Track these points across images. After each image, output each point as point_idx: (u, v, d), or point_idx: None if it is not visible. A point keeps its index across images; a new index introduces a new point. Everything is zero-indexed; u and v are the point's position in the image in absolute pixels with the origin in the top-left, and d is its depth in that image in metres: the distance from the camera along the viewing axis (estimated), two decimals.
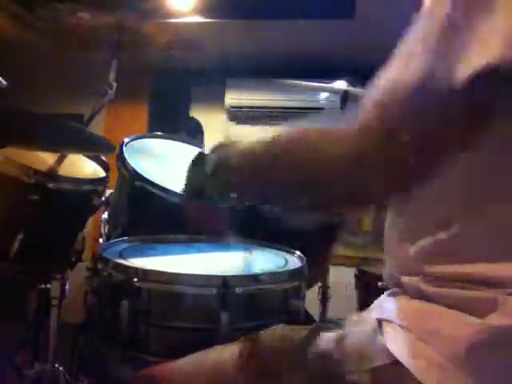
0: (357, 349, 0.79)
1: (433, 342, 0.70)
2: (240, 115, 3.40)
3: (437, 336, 0.70)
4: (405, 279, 0.79)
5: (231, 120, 3.45)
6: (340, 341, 0.81)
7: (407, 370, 0.71)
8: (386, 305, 0.82)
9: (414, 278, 0.76)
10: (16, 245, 1.37)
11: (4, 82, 1.45)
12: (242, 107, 3.34)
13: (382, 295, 0.86)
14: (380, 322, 0.80)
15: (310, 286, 1.59)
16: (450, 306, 0.71)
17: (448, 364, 0.67)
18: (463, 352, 0.67)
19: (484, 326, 0.66)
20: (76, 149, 1.52)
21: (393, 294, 0.82)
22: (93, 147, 1.51)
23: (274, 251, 1.33)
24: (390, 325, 0.77)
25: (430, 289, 0.74)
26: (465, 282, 0.70)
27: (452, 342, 0.68)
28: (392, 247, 0.82)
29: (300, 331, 0.86)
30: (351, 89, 2.27)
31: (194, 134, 2.47)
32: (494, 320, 0.66)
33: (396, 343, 0.74)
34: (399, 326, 0.75)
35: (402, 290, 0.81)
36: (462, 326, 0.68)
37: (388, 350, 0.75)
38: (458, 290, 0.70)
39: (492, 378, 0.67)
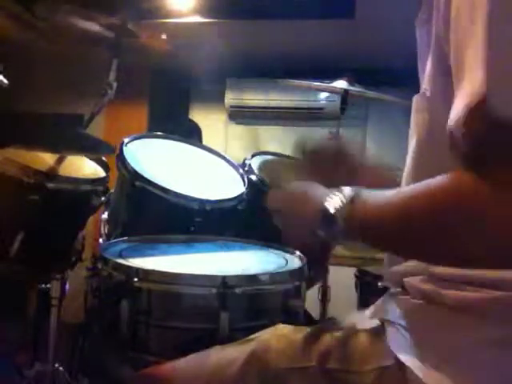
0: (359, 349, 0.79)
1: (434, 342, 0.70)
2: (240, 115, 3.40)
3: (438, 336, 0.70)
4: (407, 280, 0.79)
5: (231, 120, 3.45)
6: (342, 341, 0.81)
7: (410, 370, 0.71)
8: (387, 305, 0.82)
9: (416, 279, 0.76)
10: (16, 245, 1.37)
11: (5, 82, 1.45)
12: (242, 107, 3.34)
13: (384, 296, 0.86)
14: (382, 322, 0.80)
15: (310, 286, 1.59)
16: (451, 307, 0.71)
17: (449, 364, 0.67)
18: (464, 352, 0.67)
19: (485, 327, 0.66)
20: (76, 151, 1.52)
21: (394, 295, 0.82)
22: (92, 149, 1.51)
23: (274, 251, 1.33)
24: (392, 325, 0.77)
25: (432, 290, 0.74)
26: (465, 283, 0.70)
27: (453, 342, 0.68)
28: None
29: (300, 331, 0.86)
30: (351, 88, 2.27)
31: (189, 136, 2.46)
32: (494, 321, 0.66)
33: (398, 344, 0.74)
34: (401, 326, 0.75)
35: (403, 291, 0.81)
36: (463, 327, 0.68)
37: (390, 350, 0.75)
38: (458, 292, 0.71)
39: (493, 378, 0.67)
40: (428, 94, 0.76)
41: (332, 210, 0.71)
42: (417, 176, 0.79)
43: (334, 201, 0.71)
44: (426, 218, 0.63)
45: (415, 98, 0.81)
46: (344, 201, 0.71)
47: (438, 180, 0.62)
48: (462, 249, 0.61)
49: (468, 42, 0.60)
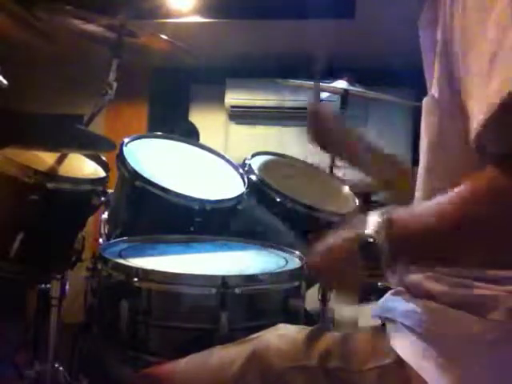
0: (360, 348, 0.79)
1: (436, 340, 0.70)
2: (240, 115, 3.40)
3: (440, 335, 0.70)
4: (409, 279, 0.79)
5: (231, 120, 3.45)
6: (343, 340, 0.81)
7: (411, 368, 0.71)
8: (389, 304, 0.82)
9: (419, 278, 0.77)
10: (16, 245, 1.37)
11: (5, 82, 1.45)
12: (242, 107, 3.34)
13: (386, 294, 0.86)
14: (384, 321, 0.80)
15: (309, 285, 1.58)
16: (452, 305, 0.71)
17: (450, 363, 0.67)
18: (466, 350, 0.67)
19: (486, 325, 0.67)
20: (76, 148, 1.51)
21: (396, 294, 0.82)
22: (93, 145, 1.50)
23: (274, 251, 1.33)
24: (394, 324, 0.77)
25: (434, 287, 0.74)
26: (468, 280, 0.70)
27: (455, 340, 0.68)
28: None
29: (301, 331, 0.86)
30: (351, 88, 2.28)
31: (187, 137, 2.46)
32: (496, 318, 0.66)
33: (400, 342, 0.74)
34: (403, 325, 0.75)
35: (405, 290, 0.81)
36: (464, 325, 0.68)
37: (392, 349, 0.75)
38: (460, 289, 0.71)
39: (494, 375, 0.67)
40: (436, 97, 0.76)
41: (370, 233, 0.69)
42: (429, 178, 0.79)
43: (368, 224, 0.70)
44: (482, 222, 0.62)
45: (425, 101, 0.81)
46: (379, 220, 0.69)
47: (476, 184, 0.63)
48: None
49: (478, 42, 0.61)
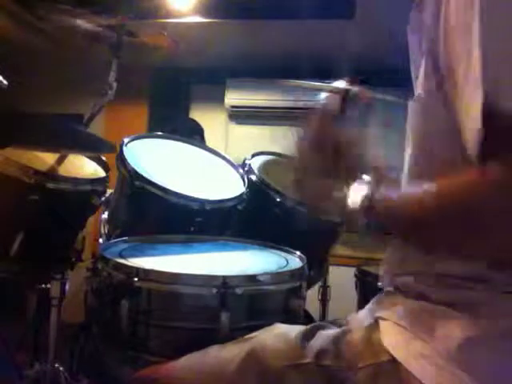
0: (354, 347, 0.79)
1: (429, 340, 0.70)
2: (240, 115, 3.40)
3: (432, 334, 0.70)
4: (400, 278, 0.79)
5: (231, 120, 3.45)
6: (338, 339, 0.81)
7: (404, 367, 0.71)
8: (383, 304, 0.83)
9: (411, 278, 0.77)
10: (16, 245, 1.37)
11: (5, 82, 1.45)
12: (242, 107, 3.34)
13: (379, 294, 0.87)
14: (377, 320, 0.80)
15: (310, 285, 1.59)
16: (444, 305, 0.71)
17: (443, 361, 0.68)
18: (458, 350, 0.67)
19: (478, 325, 0.67)
20: (77, 150, 1.52)
21: (389, 293, 0.83)
22: (93, 148, 1.51)
23: (275, 251, 1.33)
24: (386, 323, 0.77)
25: (425, 288, 0.74)
26: (459, 279, 0.70)
27: (447, 339, 0.69)
28: (389, 246, 0.83)
29: (296, 330, 0.87)
30: (351, 89, 2.28)
31: (191, 135, 2.45)
32: (488, 318, 0.67)
33: (393, 341, 0.74)
34: (396, 324, 0.75)
35: (397, 289, 0.81)
36: (456, 325, 0.69)
37: (385, 347, 0.75)
38: (452, 289, 0.71)
39: (486, 374, 0.67)
40: (422, 98, 0.76)
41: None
42: (413, 180, 0.79)
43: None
44: (461, 211, 0.64)
45: (410, 104, 0.81)
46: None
47: (465, 177, 0.64)
48: (494, 239, 0.63)
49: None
